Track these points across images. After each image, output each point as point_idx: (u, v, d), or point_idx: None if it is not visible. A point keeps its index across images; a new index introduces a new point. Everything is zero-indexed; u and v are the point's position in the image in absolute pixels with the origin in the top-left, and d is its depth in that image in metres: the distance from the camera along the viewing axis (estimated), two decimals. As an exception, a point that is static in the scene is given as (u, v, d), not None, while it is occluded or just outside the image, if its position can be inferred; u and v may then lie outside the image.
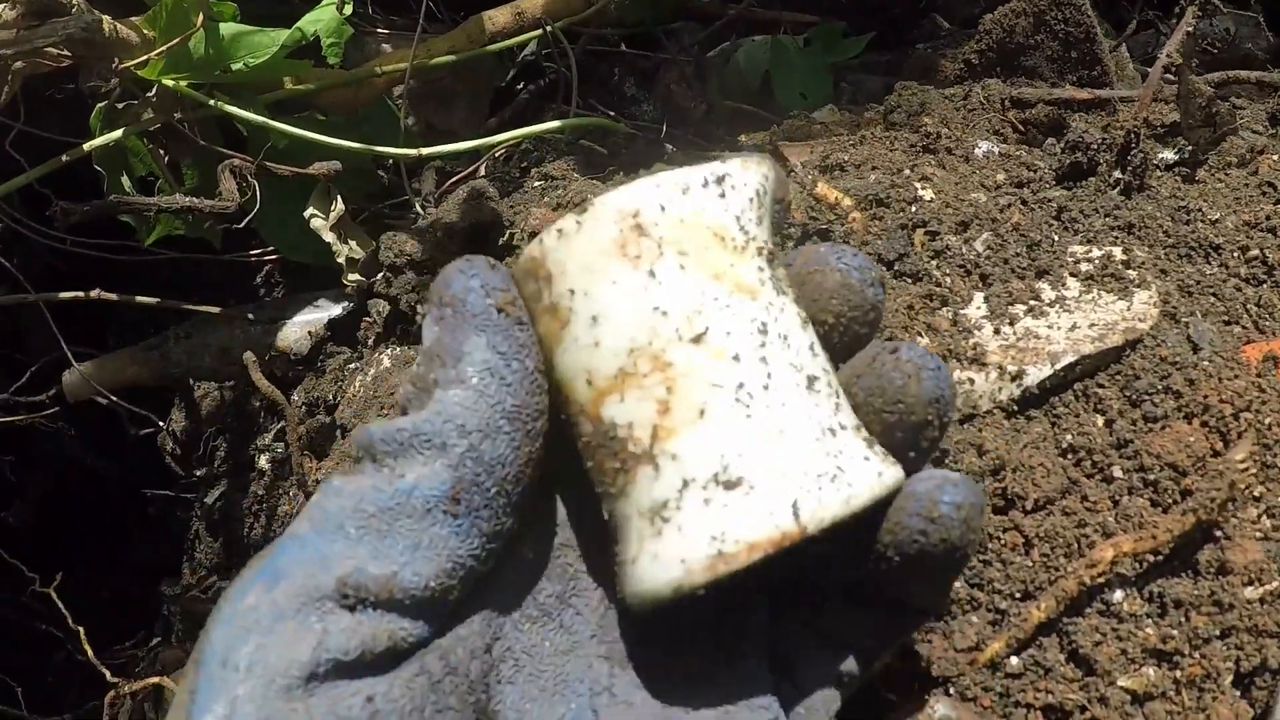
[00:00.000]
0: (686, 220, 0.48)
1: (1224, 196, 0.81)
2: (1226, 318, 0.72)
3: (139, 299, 1.17)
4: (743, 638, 0.54)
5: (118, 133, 1.04)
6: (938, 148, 0.88)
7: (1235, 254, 0.76)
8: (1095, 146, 0.82)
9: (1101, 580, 0.62)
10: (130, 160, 1.10)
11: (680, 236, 0.48)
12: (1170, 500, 0.64)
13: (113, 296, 1.12)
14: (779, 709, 0.52)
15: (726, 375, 0.47)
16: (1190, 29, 0.88)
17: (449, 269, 0.49)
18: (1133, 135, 0.80)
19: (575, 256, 0.48)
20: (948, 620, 0.64)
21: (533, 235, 0.86)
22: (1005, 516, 0.65)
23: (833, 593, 0.54)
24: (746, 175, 0.51)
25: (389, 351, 1.01)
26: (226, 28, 1.00)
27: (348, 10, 1.05)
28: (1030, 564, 0.64)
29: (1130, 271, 0.73)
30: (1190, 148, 0.85)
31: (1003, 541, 0.65)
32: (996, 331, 0.71)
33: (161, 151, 1.09)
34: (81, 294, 1.12)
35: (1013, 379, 0.69)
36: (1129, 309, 0.71)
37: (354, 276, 1.05)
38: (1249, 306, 0.72)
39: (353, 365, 1.06)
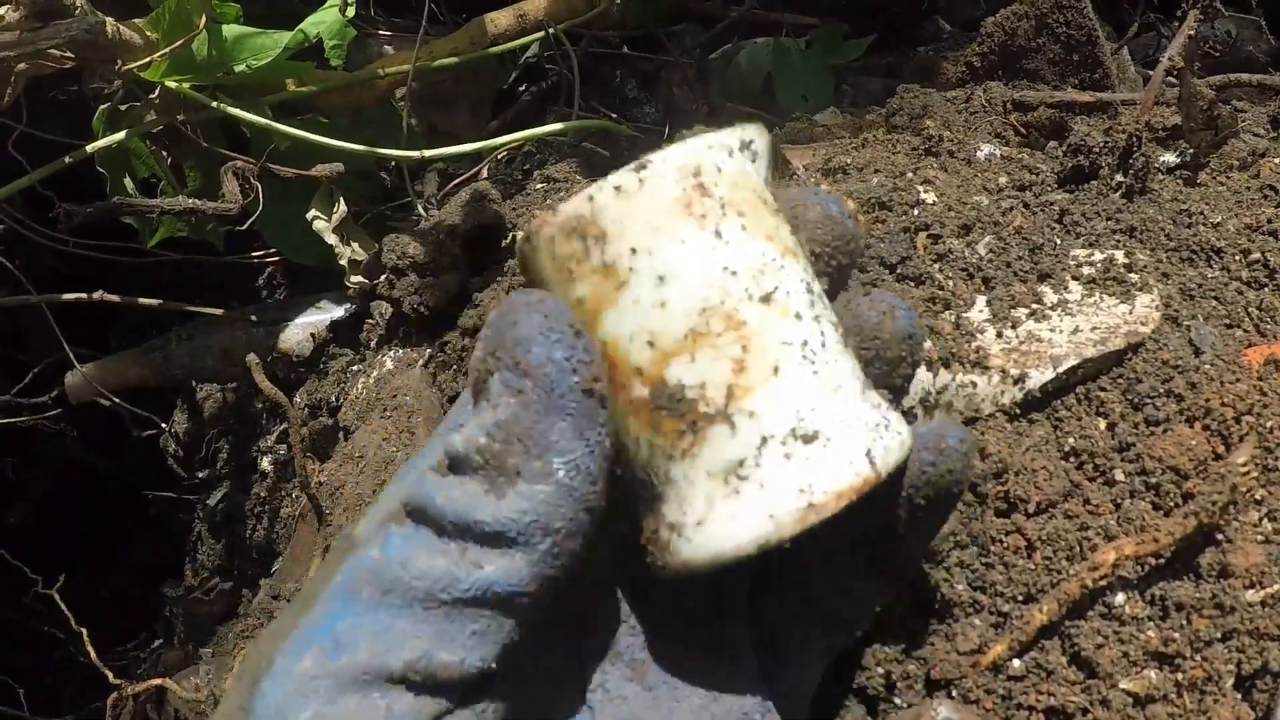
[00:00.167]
0: (738, 182, 0.49)
1: (1225, 200, 0.81)
2: (1228, 321, 0.72)
3: (141, 301, 1.17)
4: (726, 619, 0.55)
5: (120, 134, 1.04)
6: (940, 150, 0.88)
7: (1237, 257, 0.76)
8: (1097, 149, 0.82)
9: (1103, 583, 0.62)
10: (133, 162, 1.10)
11: (736, 198, 0.49)
12: (1172, 503, 0.64)
13: (115, 298, 1.12)
14: (764, 688, 0.54)
15: (793, 333, 0.48)
16: (1192, 32, 0.88)
17: (520, 314, 0.45)
18: (1134, 138, 0.80)
19: (638, 214, 0.47)
20: (950, 623, 0.64)
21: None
22: (1008, 519, 0.66)
23: (811, 562, 0.55)
24: (761, 140, 0.52)
25: (391, 354, 1.01)
26: (229, 29, 1.00)
27: (350, 12, 1.05)
28: (1032, 567, 0.64)
29: (1132, 275, 0.73)
30: (1192, 151, 0.85)
31: (1005, 544, 0.65)
32: (999, 335, 0.71)
33: (164, 153, 1.09)
34: (84, 295, 1.12)
35: (1015, 382, 0.69)
36: (1131, 312, 0.71)
37: (356, 278, 1.05)
38: (1250, 310, 0.73)
39: (355, 367, 1.07)
